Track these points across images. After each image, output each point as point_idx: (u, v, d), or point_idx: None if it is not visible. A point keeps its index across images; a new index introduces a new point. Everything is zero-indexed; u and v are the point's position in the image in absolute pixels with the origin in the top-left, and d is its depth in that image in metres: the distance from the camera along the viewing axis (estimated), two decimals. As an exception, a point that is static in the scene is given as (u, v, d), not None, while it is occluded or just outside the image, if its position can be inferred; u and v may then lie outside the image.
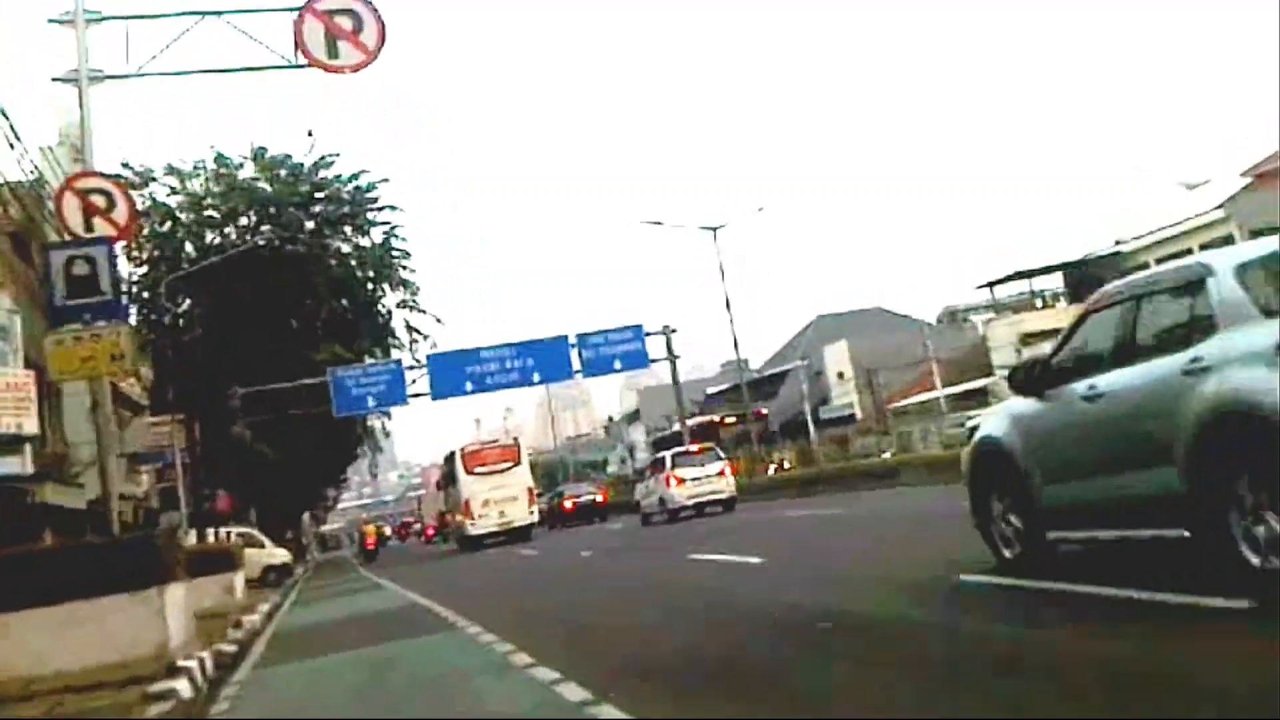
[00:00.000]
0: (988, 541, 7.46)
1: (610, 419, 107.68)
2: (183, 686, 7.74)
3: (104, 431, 11.95)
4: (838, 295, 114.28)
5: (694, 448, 30.64)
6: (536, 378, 35.88)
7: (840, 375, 60.40)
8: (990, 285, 48.89)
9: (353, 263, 38.68)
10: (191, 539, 21.73)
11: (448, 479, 40.93)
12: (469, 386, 34.97)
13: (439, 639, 9.49)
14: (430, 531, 53.40)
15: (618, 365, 35.93)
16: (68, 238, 11.40)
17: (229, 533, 26.49)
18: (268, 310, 36.01)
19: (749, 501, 29.41)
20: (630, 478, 53.97)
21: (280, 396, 33.83)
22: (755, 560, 11.60)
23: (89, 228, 11.20)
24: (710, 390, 70.46)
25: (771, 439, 53.10)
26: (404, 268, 38.90)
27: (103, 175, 11.71)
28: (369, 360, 36.81)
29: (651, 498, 29.50)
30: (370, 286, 39.61)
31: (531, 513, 35.90)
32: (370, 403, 35.04)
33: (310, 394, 34.02)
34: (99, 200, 11.22)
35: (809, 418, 53.95)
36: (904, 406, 48.82)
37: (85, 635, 8.53)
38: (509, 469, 35.76)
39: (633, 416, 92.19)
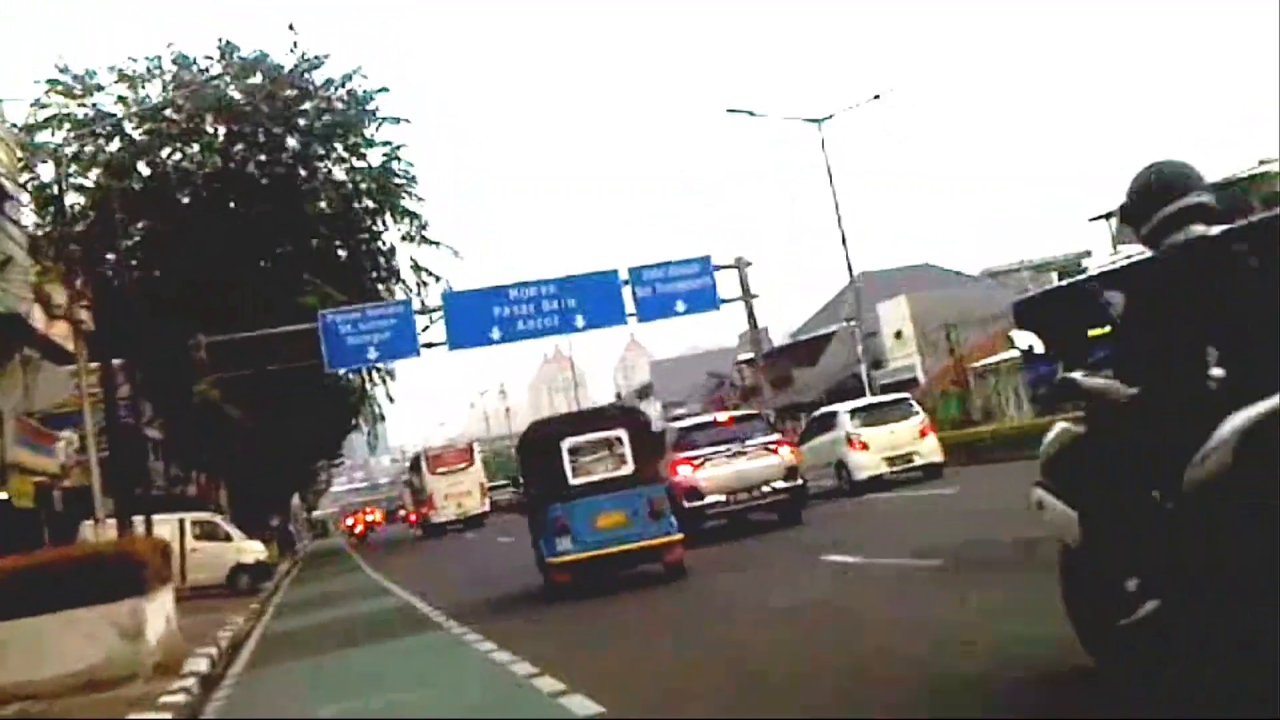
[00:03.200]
0: None
1: (618, 396, 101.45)
2: None
3: None
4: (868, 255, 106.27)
5: None
6: (580, 322, 28.20)
7: (898, 335, 53.59)
8: (1106, 217, 41.82)
9: (348, 187, 31.63)
10: (110, 532, 14.55)
11: (415, 476, 47.44)
12: (495, 333, 27.53)
13: None
14: (413, 519, 57.13)
15: (680, 306, 28.52)
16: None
17: (181, 520, 19.21)
18: (242, 246, 29.16)
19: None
20: None
21: (258, 348, 26.77)
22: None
23: None
24: (743, 357, 64.49)
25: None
26: (409, 194, 31.90)
27: None
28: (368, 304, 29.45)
29: None
30: (368, 220, 32.66)
31: (484, 504, 43.13)
32: (372, 354, 27.60)
33: (296, 345, 26.78)
34: None
35: (865, 383, 47.27)
36: (989, 365, 41.99)
37: None
38: (465, 468, 43.40)
39: (644, 391, 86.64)
